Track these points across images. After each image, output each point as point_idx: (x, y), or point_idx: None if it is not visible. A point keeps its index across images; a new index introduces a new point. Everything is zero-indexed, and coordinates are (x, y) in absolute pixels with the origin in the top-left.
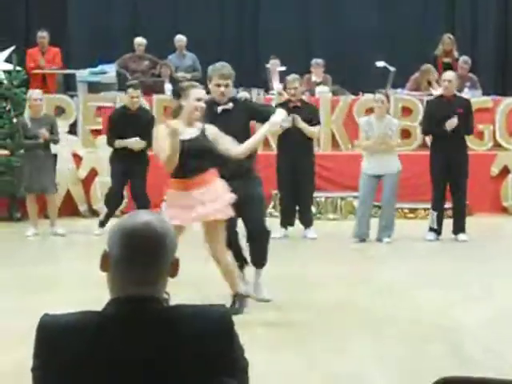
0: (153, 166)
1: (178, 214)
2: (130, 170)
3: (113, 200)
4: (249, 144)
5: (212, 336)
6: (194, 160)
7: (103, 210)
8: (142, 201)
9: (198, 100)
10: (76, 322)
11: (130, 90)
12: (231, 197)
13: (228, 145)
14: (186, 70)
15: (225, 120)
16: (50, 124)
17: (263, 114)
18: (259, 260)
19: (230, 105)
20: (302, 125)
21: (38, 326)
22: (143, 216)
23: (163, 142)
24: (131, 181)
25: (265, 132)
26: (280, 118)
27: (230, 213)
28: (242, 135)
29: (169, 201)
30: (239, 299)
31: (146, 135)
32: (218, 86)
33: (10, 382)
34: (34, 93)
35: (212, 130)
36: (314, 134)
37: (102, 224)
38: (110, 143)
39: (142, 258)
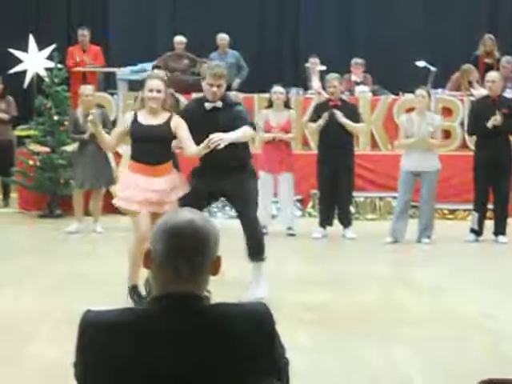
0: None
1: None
2: None
3: None
4: (197, 149)
5: (253, 334)
6: (154, 146)
7: None
8: None
9: (150, 91)
10: (118, 318)
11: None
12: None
13: (184, 142)
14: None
15: (213, 118)
16: (101, 118)
17: (236, 123)
18: (254, 253)
19: (220, 103)
20: (344, 120)
21: (80, 322)
22: (186, 214)
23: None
24: None
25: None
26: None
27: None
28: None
29: (129, 182)
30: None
31: None
32: (211, 85)
33: (53, 376)
34: (86, 89)
35: (176, 122)
36: (357, 129)
37: None
38: None
39: (184, 255)
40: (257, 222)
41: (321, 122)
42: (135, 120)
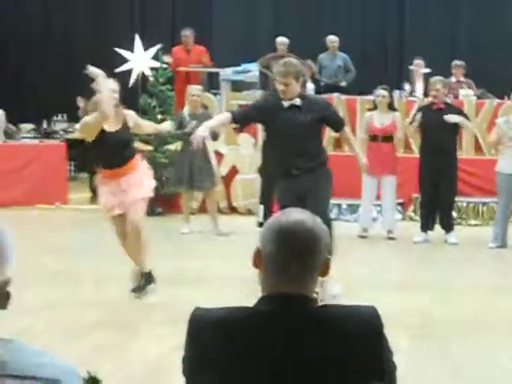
0: None
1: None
2: None
3: (266, 196)
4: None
5: (361, 337)
6: (118, 151)
7: (259, 210)
8: None
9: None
10: (227, 316)
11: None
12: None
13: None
14: (335, 70)
15: (291, 115)
16: (207, 120)
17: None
18: None
19: (298, 100)
20: (456, 119)
21: (189, 318)
22: (296, 214)
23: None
24: None
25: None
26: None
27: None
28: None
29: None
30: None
31: None
32: (279, 84)
33: (157, 370)
34: (194, 89)
35: (131, 117)
36: (471, 128)
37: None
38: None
39: (294, 256)
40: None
41: (415, 124)
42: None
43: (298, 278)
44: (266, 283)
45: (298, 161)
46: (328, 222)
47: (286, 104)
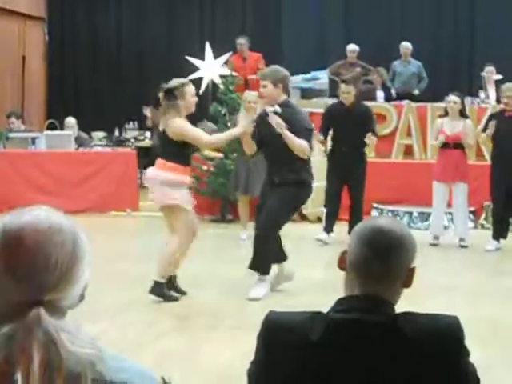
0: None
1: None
2: (348, 170)
3: (330, 203)
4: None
5: (443, 347)
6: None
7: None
8: (358, 205)
9: (194, 96)
10: (300, 321)
11: (342, 86)
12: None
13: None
14: (409, 77)
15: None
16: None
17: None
18: (252, 263)
19: (278, 108)
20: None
21: (263, 321)
22: (385, 220)
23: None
24: (349, 183)
25: (234, 133)
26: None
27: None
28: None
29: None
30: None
31: (363, 129)
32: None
33: (229, 377)
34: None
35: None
36: None
37: (326, 229)
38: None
39: (375, 256)
40: (258, 234)
41: (489, 131)
42: None
43: (379, 280)
44: (347, 285)
45: (278, 170)
46: (265, 237)
47: (268, 110)
